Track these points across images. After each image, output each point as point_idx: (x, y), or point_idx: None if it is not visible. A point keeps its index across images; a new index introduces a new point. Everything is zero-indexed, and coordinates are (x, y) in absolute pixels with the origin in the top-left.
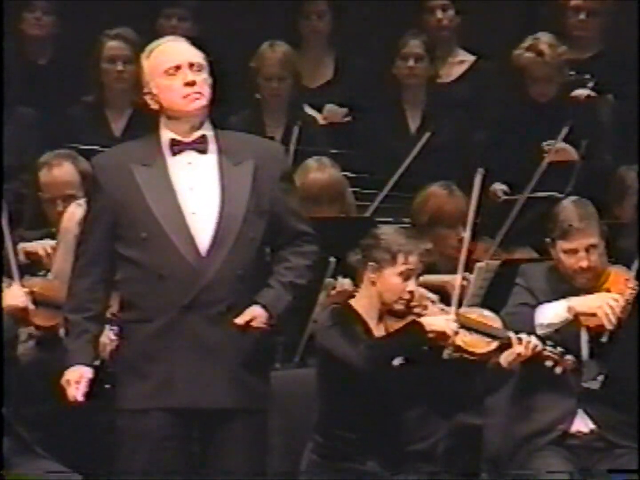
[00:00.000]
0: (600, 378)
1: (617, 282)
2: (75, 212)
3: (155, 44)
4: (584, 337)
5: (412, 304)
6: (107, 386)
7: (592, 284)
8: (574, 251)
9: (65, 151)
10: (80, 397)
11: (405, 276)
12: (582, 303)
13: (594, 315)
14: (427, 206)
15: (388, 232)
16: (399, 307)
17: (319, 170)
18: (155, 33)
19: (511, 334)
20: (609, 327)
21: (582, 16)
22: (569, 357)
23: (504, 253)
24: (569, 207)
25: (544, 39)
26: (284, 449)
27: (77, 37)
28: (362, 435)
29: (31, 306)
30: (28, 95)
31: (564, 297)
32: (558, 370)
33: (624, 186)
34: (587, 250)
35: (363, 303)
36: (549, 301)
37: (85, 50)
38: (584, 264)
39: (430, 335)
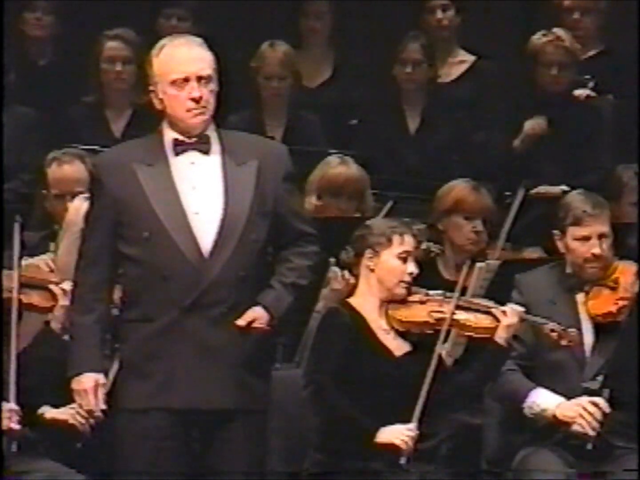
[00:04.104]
0: (600, 378)
1: (626, 273)
2: (81, 205)
3: (167, 41)
4: (588, 336)
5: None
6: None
7: (601, 274)
8: (587, 238)
9: (74, 150)
10: (102, 406)
11: (403, 257)
12: (563, 413)
13: (573, 421)
14: (451, 194)
15: (378, 220)
16: (400, 291)
17: (344, 164)
18: (155, 33)
19: (502, 308)
20: (591, 433)
21: (576, 16)
22: (571, 330)
23: (510, 252)
24: (579, 197)
25: (564, 33)
26: (284, 449)
27: (77, 37)
28: (364, 434)
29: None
30: (28, 95)
31: (567, 294)
32: (563, 342)
33: (620, 185)
34: (599, 238)
35: (364, 297)
36: (547, 313)
37: (85, 51)
38: (597, 251)
39: None
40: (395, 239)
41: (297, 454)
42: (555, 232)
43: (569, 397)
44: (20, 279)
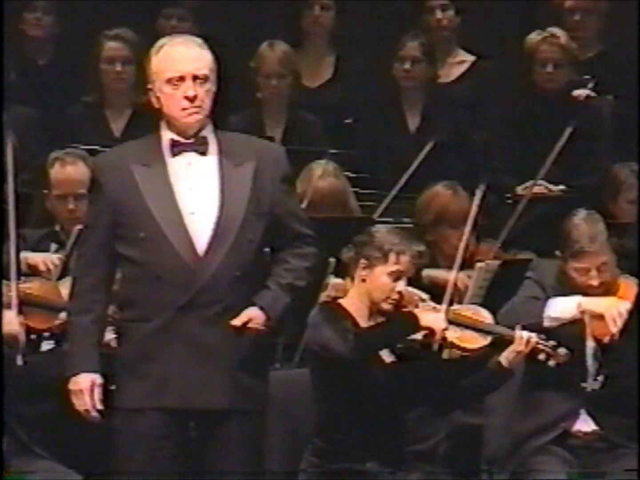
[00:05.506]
0: (601, 378)
1: (627, 293)
2: None
3: (166, 40)
4: (590, 345)
5: (402, 303)
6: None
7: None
8: (586, 270)
9: (77, 150)
10: (98, 406)
11: (395, 276)
12: (592, 302)
13: (601, 316)
14: (432, 205)
15: (382, 231)
16: (387, 306)
17: (321, 179)
18: (155, 33)
19: (510, 331)
20: (613, 330)
21: (577, 17)
22: (561, 350)
23: (504, 254)
24: (580, 227)
25: (559, 31)
26: (283, 449)
27: (77, 37)
28: (362, 435)
29: (23, 338)
30: (28, 95)
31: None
32: (551, 363)
33: (618, 182)
34: (598, 269)
35: (353, 301)
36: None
37: (85, 51)
38: (595, 282)
39: (422, 330)
40: (392, 257)
41: (296, 454)
42: (557, 252)
43: (570, 398)
44: (20, 295)
